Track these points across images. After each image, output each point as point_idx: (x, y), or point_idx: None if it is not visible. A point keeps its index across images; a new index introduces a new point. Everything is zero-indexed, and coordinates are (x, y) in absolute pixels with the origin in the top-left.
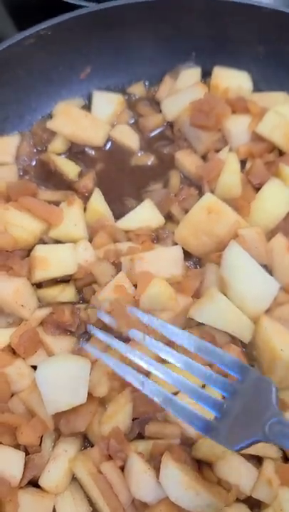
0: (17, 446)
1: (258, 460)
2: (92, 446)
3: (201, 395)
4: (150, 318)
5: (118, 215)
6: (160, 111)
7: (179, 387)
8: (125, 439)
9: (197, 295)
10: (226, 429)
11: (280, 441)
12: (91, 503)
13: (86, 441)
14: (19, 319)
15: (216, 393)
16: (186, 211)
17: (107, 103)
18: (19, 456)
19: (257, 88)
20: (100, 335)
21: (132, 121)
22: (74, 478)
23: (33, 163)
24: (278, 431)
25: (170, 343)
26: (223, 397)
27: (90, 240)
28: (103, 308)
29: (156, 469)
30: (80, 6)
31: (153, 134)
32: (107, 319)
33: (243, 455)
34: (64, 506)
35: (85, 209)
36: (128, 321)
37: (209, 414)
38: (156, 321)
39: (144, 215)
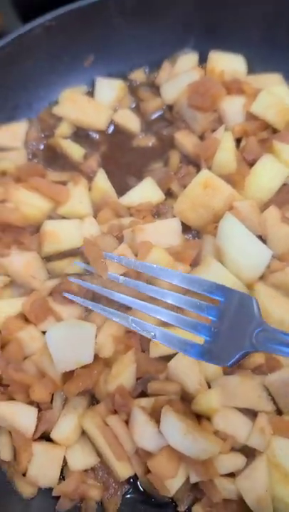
0: (30, 404)
1: (253, 414)
2: (98, 404)
3: (189, 322)
4: (127, 259)
5: (121, 192)
6: (159, 95)
7: (166, 319)
8: (129, 395)
9: (195, 264)
10: (217, 350)
11: (267, 347)
12: (99, 454)
13: (93, 400)
14: (30, 290)
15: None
16: (185, 187)
17: (109, 89)
18: (32, 411)
19: (251, 71)
20: (78, 282)
21: (133, 105)
22: (83, 434)
23: (41, 147)
24: (264, 338)
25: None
26: (210, 322)
27: (95, 217)
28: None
29: (158, 422)
30: None
31: (153, 116)
32: (83, 265)
33: (240, 409)
34: (74, 456)
35: (90, 188)
36: (105, 265)
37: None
38: (133, 261)
39: (145, 191)
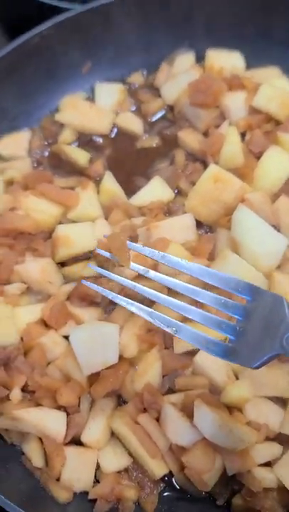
0: (57, 409)
1: (283, 402)
2: (126, 404)
3: (213, 320)
4: (151, 250)
5: (130, 193)
6: (159, 96)
7: (190, 315)
8: (158, 392)
9: (211, 258)
10: (243, 350)
11: None
12: (131, 455)
13: (120, 401)
14: (47, 296)
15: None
16: (194, 184)
17: (109, 93)
18: (61, 415)
19: (249, 66)
20: (99, 270)
21: (134, 108)
22: (113, 436)
23: (46, 154)
24: None
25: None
26: (236, 321)
27: (106, 219)
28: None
29: (190, 417)
30: (66, 9)
31: (155, 118)
32: (107, 254)
33: (270, 398)
34: (106, 459)
35: (98, 191)
36: (129, 255)
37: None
38: (157, 253)
39: (155, 190)
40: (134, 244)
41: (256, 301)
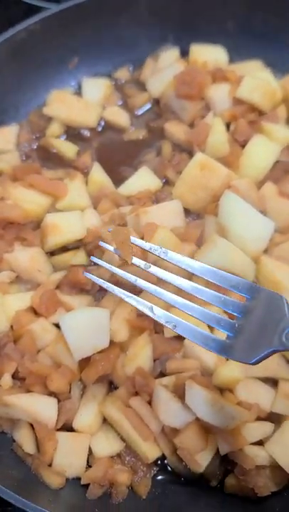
0: (48, 395)
1: (273, 382)
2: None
3: (211, 316)
4: (153, 246)
5: (117, 183)
6: (145, 90)
7: (188, 311)
8: (149, 375)
9: (199, 244)
10: (240, 346)
11: None
12: (123, 439)
13: (111, 387)
14: (36, 285)
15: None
16: (181, 174)
17: (96, 88)
18: (52, 401)
19: (231, 60)
20: (101, 263)
21: (120, 102)
22: (104, 422)
23: (34, 148)
24: None
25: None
26: (235, 318)
27: (95, 209)
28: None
29: (181, 398)
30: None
31: (141, 111)
32: (110, 248)
33: (260, 378)
34: (98, 444)
35: (86, 182)
36: (131, 249)
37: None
38: (159, 249)
39: (143, 180)
40: (137, 239)
41: (255, 299)
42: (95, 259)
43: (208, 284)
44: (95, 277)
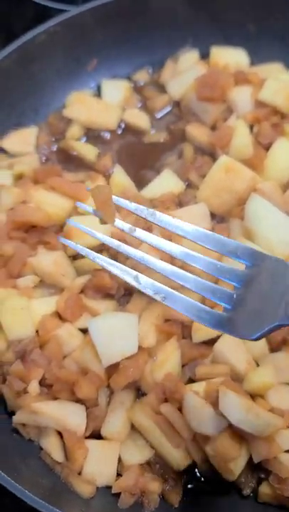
0: (76, 402)
1: None
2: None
3: (205, 286)
4: (138, 206)
5: (140, 186)
6: (165, 92)
7: (178, 279)
8: (179, 381)
9: None
10: (240, 320)
11: None
12: (153, 447)
13: (139, 394)
14: (60, 289)
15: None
16: (204, 177)
17: (115, 90)
18: (80, 408)
19: (253, 63)
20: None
21: (140, 105)
22: (133, 429)
23: (53, 150)
24: None
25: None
26: (233, 288)
27: (118, 212)
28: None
29: (213, 404)
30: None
31: (161, 113)
32: (89, 209)
33: None
34: (128, 452)
35: (108, 185)
36: (114, 210)
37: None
38: (146, 210)
39: (166, 182)
40: (121, 198)
41: (257, 267)
42: (62, 239)
43: (202, 250)
44: (71, 242)
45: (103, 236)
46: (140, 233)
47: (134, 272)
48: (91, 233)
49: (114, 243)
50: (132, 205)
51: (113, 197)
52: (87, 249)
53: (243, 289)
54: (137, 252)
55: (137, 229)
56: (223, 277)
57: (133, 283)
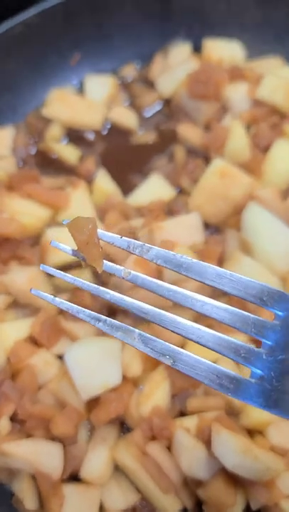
0: (52, 440)
1: None
2: (131, 432)
3: (226, 342)
4: (130, 241)
5: (126, 192)
6: (154, 89)
7: (193, 336)
8: (168, 416)
9: (220, 262)
10: (275, 389)
11: None
12: (139, 490)
13: (124, 428)
14: (36, 309)
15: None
16: (196, 182)
17: (100, 86)
18: (57, 447)
19: (248, 56)
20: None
21: (127, 103)
22: (116, 469)
23: (32, 152)
24: None
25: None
26: (262, 345)
27: (101, 221)
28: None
29: (206, 443)
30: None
31: (150, 112)
32: (67, 249)
33: None
34: (111, 497)
35: (91, 191)
36: (100, 249)
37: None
38: (139, 245)
39: (154, 188)
40: (107, 233)
41: None
42: (44, 268)
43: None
44: (46, 294)
45: (85, 283)
46: (136, 277)
47: (136, 332)
48: (62, 276)
49: (104, 294)
50: (124, 241)
51: (99, 232)
52: (74, 306)
53: (276, 347)
54: (134, 303)
55: (132, 272)
56: (250, 331)
57: (135, 346)
